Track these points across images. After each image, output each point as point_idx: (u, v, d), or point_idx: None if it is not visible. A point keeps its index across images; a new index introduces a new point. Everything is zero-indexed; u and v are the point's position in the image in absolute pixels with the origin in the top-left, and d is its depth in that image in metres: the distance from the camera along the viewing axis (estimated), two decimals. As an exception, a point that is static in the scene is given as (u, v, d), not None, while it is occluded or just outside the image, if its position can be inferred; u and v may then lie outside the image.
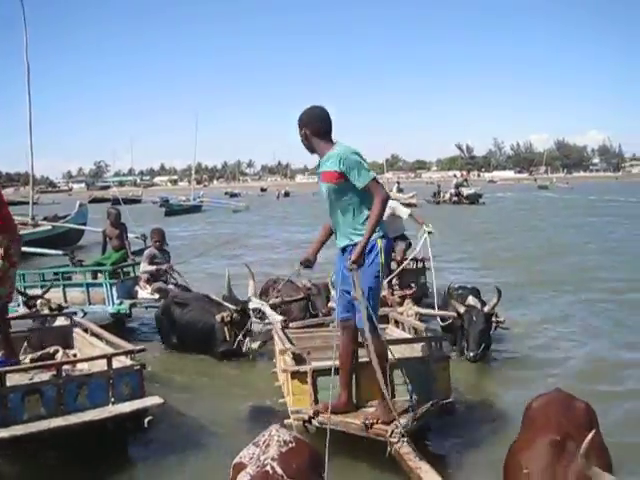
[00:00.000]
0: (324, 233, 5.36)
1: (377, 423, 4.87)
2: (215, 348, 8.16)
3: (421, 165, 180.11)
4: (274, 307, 8.26)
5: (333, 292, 7.72)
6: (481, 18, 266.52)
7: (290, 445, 2.83)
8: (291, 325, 7.36)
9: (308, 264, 5.34)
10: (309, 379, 5.32)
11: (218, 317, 7.85)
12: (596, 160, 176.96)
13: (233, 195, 74.54)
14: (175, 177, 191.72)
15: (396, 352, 5.31)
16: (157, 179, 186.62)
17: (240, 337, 7.75)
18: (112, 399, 5.32)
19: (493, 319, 7.40)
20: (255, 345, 7.67)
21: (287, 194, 76.26)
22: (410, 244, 11.30)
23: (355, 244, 4.77)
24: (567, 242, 21.31)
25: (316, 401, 5.28)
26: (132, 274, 10.53)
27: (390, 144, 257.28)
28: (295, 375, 5.45)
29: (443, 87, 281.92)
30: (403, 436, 4.71)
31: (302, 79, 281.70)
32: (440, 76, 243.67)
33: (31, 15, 24.73)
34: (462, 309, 7.37)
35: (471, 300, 7.55)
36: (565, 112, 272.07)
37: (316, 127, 4.89)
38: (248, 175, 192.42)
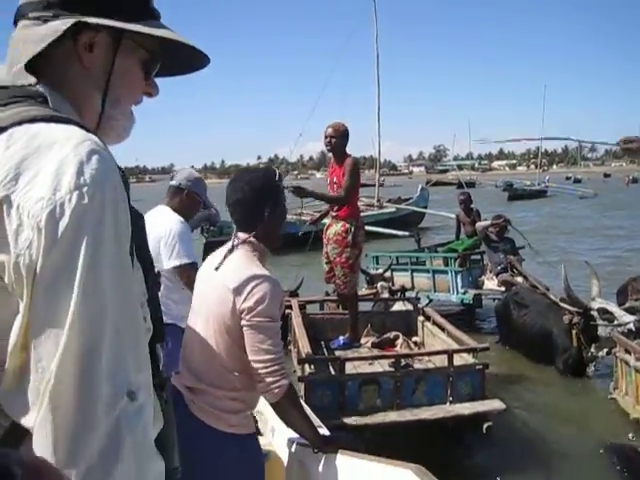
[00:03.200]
0: None
1: None
2: (555, 358, 7.26)
3: None
4: (632, 311, 7.15)
5: None
6: None
7: None
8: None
9: None
10: None
11: (566, 319, 6.93)
12: None
13: (576, 181, 71.21)
14: (514, 161, 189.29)
15: None
16: (495, 163, 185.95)
17: (584, 345, 6.84)
18: (450, 398, 4.94)
19: None
20: (601, 353, 6.71)
21: (635, 180, 71.36)
22: None
23: None
24: None
25: None
26: (480, 263, 10.21)
27: None
28: None
29: None
30: None
31: None
32: None
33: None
34: None
35: None
36: None
37: None
38: (590, 160, 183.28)
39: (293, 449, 2.83)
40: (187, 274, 3.84)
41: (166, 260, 3.92)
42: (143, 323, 1.13)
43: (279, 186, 2.65)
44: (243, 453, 2.50)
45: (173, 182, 4.18)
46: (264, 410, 2.80)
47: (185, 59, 1.33)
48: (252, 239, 2.54)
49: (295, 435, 2.74)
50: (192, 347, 2.54)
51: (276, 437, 3.08)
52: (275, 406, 2.47)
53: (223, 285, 2.43)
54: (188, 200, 4.05)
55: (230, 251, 2.54)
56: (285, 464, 2.91)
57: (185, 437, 2.26)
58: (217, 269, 2.50)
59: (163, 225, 3.97)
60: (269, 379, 2.37)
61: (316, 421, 2.93)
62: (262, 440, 2.98)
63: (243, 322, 2.38)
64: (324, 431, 2.90)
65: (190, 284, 3.10)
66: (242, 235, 2.55)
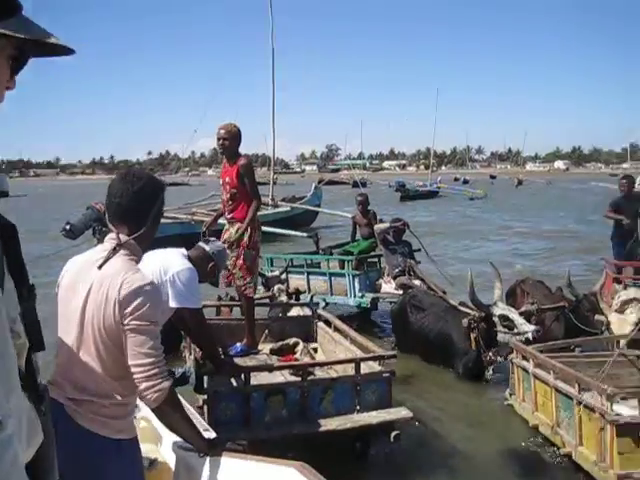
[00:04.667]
0: None
1: None
2: (453, 360, 7.34)
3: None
4: (528, 315, 7.33)
5: (602, 309, 6.64)
6: None
7: None
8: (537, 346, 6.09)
9: None
10: None
11: (465, 322, 7.00)
12: None
13: (465, 182, 73.74)
14: (404, 162, 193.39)
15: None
16: (386, 163, 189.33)
17: (483, 349, 6.93)
18: (357, 407, 4.88)
19: None
20: (500, 358, 6.87)
21: (520, 182, 75.20)
22: None
23: None
24: None
25: None
26: (377, 265, 10.25)
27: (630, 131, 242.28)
28: (623, 428, 4.19)
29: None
30: None
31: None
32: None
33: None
34: None
35: None
36: None
37: None
38: (477, 161, 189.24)
39: (179, 455, 2.81)
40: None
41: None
42: (11, 348, 1.07)
43: (164, 189, 2.64)
44: (130, 457, 2.50)
45: (207, 248, 4.61)
46: (150, 416, 2.71)
47: (49, 47, 1.30)
48: (133, 241, 2.48)
49: (181, 440, 2.72)
50: (70, 358, 2.43)
51: (163, 444, 3.05)
52: (156, 411, 2.46)
53: (104, 289, 2.37)
54: (210, 270, 4.57)
55: (113, 252, 2.43)
56: (172, 470, 2.87)
57: (72, 448, 2.28)
58: (100, 268, 2.41)
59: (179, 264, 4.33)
60: (149, 383, 2.36)
61: (202, 424, 2.92)
62: (148, 447, 3.00)
63: (123, 327, 2.35)
64: (210, 434, 2.89)
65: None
66: (123, 237, 2.47)
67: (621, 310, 6.56)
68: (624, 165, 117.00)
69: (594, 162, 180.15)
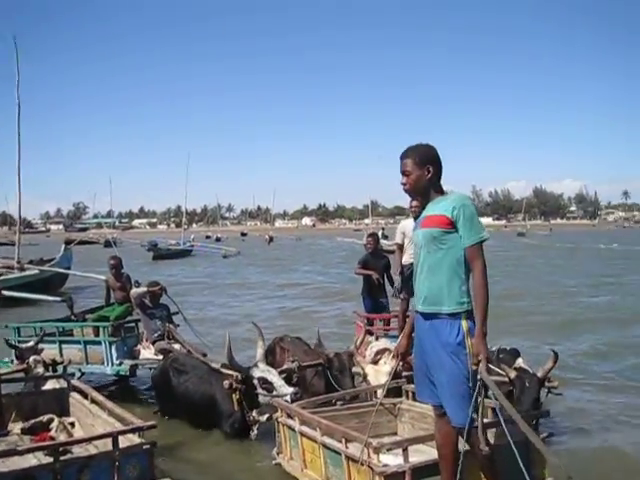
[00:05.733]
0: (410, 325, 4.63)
1: None
2: (219, 421, 7.25)
3: (400, 211, 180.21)
4: (289, 373, 7.43)
5: (358, 362, 7.00)
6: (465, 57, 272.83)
7: None
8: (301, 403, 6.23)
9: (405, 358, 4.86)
10: None
11: (226, 383, 6.92)
12: (573, 208, 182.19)
13: (217, 239, 74.73)
14: (154, 220, 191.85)
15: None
16: (136, 222, 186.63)
17: (246, 409, 6.91)
18: (117, 484, 4.58)
19: (546, 384, 6.31)
20: (262, 418, 6.81)
21: (272, 239, 78.01)
22: None
23: (445, 315, 4.06)
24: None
25: None
26: (135, 331, 9.84)
27: (370, 190, 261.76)
28: (391, 477, 4.34)
29: (421, 134, 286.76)
30: None
31: (289, 119, 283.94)
32: (418, 124, 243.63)
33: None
34: (513, 374, 6.10)
35: (521, 363, 6.57)
36: (542, 160, 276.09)
37: (438, 168, 4.26)
38: (228, 219, 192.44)
39: None
40: None
41: None
42: None
43: None
44: None
45: None
46: None
47: None
48: None
49: None
50: None
51: None
52: None
53: None
54: None
55: None
56: None
57: None
58: None
59: None
60: None
61: None
62: None
63: None
64: None
65: None
66: None
67: (375, 361, 6.90)
68: (366, 221, 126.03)
69: (339, 218, 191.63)
